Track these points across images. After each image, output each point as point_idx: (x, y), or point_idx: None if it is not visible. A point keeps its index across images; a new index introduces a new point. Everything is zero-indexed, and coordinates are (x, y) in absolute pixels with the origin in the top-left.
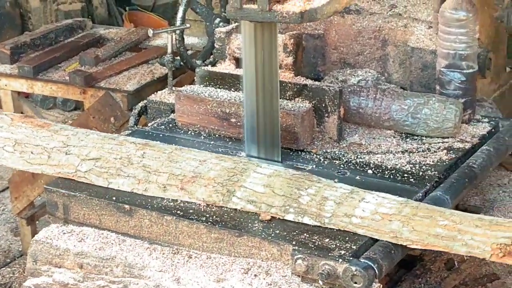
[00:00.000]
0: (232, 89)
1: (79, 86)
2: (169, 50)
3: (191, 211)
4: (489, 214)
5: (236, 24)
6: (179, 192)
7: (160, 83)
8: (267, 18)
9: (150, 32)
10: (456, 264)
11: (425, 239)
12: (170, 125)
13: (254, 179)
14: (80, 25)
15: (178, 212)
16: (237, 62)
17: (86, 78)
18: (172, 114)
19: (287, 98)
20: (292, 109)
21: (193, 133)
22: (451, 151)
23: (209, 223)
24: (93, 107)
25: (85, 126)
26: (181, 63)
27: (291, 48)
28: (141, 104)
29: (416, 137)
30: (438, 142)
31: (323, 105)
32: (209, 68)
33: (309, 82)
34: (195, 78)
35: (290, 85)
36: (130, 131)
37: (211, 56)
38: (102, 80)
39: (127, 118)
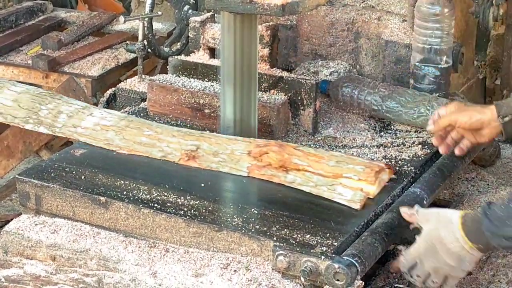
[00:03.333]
0: (206, 79)
1: (42, 70)
2: (140, 38)
3: (168, 204)
4: (459, 208)
5: (211, 13)
6: None
7: (124, 68)
8: (247, 10)
9: (122, 19)
10: None
11: (131, 145)
12: (141, 114)
13: (6, 95)
14: (41, 7)
15: (156, 205)
16: (211, 52)
17: (50, 63)
18: (142, 103)
19: (263, 90)
20: (267, 101)
21: (165, 123)
22: (426, 146)
23: (187, 217)
24: (56, 92)
25: None
26: (149, 50)
27: (267, 40)
28: (110, 91)
29: (390, 131)
30: (413, 137)
31: (299, 97)
32: (183, 57)
33: (285, 74)
34: (157, 65)
35: (266, 76)
36: None
37: (178, 44)
38: (66, 64)
39: (91, 103)
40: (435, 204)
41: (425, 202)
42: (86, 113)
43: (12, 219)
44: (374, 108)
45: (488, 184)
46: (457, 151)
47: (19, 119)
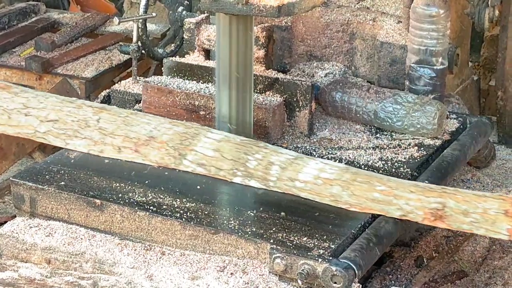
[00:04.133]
0: (201, 81)
1: (36, 72)
2: (135, 39)
3: (164, 206)
4: None
5: (206, 14)
6: (133, 154)
7: (118, 70)
8: (243, 11)
9: (116, 20)
10: (425, 261)
11: (363, 203)
12: None
13: (205, 144)
14: (34, 9)
15: (151, 207)
16: (207, 53)
17: (43, 64)
18: (137, 104)
19: (258, 91)
20: (263, 102)
21: None
22: (422, 148)
23: (183, 219)
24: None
25: None
26: (143, 51)
27: (263, 41)
28: (104, 93)
29: (386, 133)
30: (408, 139)
31: (295, 99)
32: (178, 59)
33: (280, 75)
34: (151, 66)
35: (261, 78)
36: None
37: (173, 45)
38: (59, 66)
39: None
40: None
41: None
42: (300, 164)
43: (5, 222)
44: (366, 119)
45: (483, 186)
46: None
47: (225, 172)
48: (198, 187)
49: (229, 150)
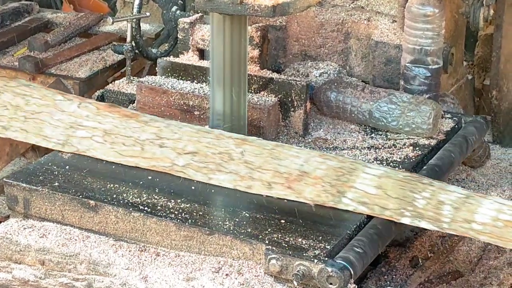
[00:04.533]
0: (195, 81)
1: (29, 72)
2: (129, 39)
3: (159, 207)
4: None
5: (200, 14)
6: (286, 191)
7: (112, 70)
8: (238, 11)
9: (110, 20)
10: (420, 261)
11: None
12: None
13: (364, 180)
14: (27, 8)
15: (146, 208)
16: (201, 53)
17: (36, 64)
18: (130, 104)
19: (253, 91)
20: (258, 102)
21: None
22: (417, 148)
23: (178, 220)
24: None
25: None
26: (137, 51)
27: (257, 41)
28: (97, 93)
29: (381, 133)
30: (403, 138)
31: (289, 99)
32: (172, 59)
33: (275, 75)
34: (145, 66)
35: (256, 78)
36: None
37: (166, 45)
38: (53, 66)
39: None
40: None
41: None
42: (474, 204)
43: None
44: (361, 118)
45: (478, 185)
46: None
47: (392, 212)
48: (193, 187)
49: (392, 187)
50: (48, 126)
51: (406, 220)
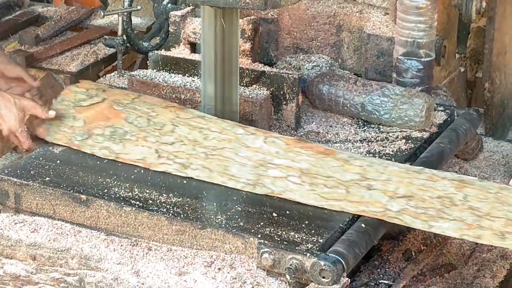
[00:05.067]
0: (187, 75)
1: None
2: (120, 32)
3: (150, 201)
4: None
5: (191, 7)
6: None
7: (103, 64)
8: (229, 4)
9: (101, 13)
10: (413, 254)
11: None
12: None
13: None
14: (18, 2)
15: (138, 203)
16: (192, 46)
17: (27, 58)
18: None
19: (244, 84)
20: (250, 96)
21: None
22: (410, 141)
23: (170, 214)
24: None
25: None
26: (128, 45)
27: (249, 34)
28: None
29: (373, 126)
30: (396, 131)
31: (281, 92)
32: (163, 52)
33: (267, 68)
34: (136, 60)
35: (247, 71)
36: None
37: (158, 38)
38: (44, 60)
39: None
40: None
41: None
42: None
43: None
44: (353, 111)
45: None
46: None
47: None
48: (185, 181)
49: None
50: (233, 164)
51: None
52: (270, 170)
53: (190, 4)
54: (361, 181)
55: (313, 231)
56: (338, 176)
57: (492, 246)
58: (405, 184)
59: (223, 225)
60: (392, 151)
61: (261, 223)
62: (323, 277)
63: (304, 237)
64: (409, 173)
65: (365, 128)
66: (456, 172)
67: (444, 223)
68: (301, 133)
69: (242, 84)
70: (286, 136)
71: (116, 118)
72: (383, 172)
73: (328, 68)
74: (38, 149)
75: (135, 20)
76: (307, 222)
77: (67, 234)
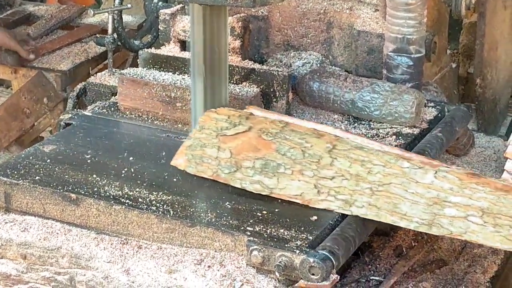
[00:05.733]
0: (177, 73)
1: (11, 65)
2: (110, 31)
3: (140, 200)
4: None
5: (180, 5)
6: None
7: (94, 62)
8: (217, 2)
9: (91, 12)
10: (404, 250)
11: None
12: (112, 108)
13: None
14: (8, 1)
15: (127, 201)
16: (182, 44)
17: (18, 57)
18: (113, 97)
19: (234, 82)
20: (239, 93)
21: (137, 117)
22: (400, 137)
23: (160, 212)
24: (25, 87)
25: (16, 106)
26: (119, 43)
27: (239, 31)
28: (80, 86)
29: (364, 122)
30: (386, 128)
31: (272, 89)
32: (153, 50)
33: (257, 66)
34: (128, 58)
35: (237, 69)
36: (70, 115)
37: (149, 36)
38: (35, 59)
39: (61, 98)
40: None
41: None
42: None
43: None
44: (343, 108)
45: None
46: None
47: None
48: (175, 179)
49: None
50: (403, 201)
51: None
52: (446, 209)
53: (180, 2)
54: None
55: (302, 228)
56: None
57: None
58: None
59: (213, 223)
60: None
61: (251, 221)
62: (313, 274)
63: (294, 234)
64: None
65: (356, 124)
66: None
67: None
68: None
69: (232, 81)
70: (457, 169)
71: (266, 150)
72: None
73: (318, 65)
74: (27, 148)
75: (127, 18)
76: (296, 219)
77: (57, 233)
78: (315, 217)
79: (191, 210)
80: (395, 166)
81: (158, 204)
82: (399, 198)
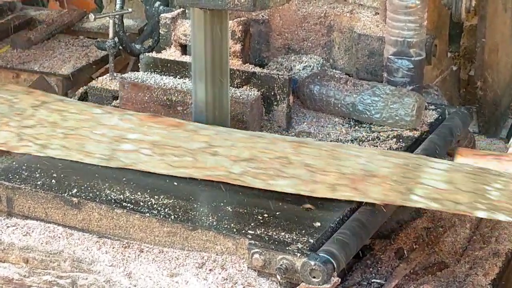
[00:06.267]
0: (178, 77)
1: (12, 70)
2: (111, 35)
3: (142, 204)
4: None
5: (182, 9)
6: (351, 192)
7: (95, 66)
8: (218, 6)
9: (92, 16)
10: (405, 253)
11: None
12: None
13: (432, 176)
14: (10, 6)
15: (129, 205)
16: (183, 48)
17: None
18: (114, 101)
19: (235, 86)
20: (240, 97)
21: None
22: (401, 140)
23: (161, 216)
24: None
25: None
26: (120, 47)
27: (239, 35)
28: (81, 90)
29: (364, 125)
30: (387, 131)
31: (272, 93)
32: (154, 54)
33: (257, 69)
34: (129, 62)
35: (238, 72)
36: None
37: (150, 40)
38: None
39: None
40: None
41: None
42: None
43: None
44: (344, 111)
45: None
46: None
47: (465, 206)
48: (175, 183)
49: (462, 181)
50: (90, 141)
51: (481, 214)
52: (124, 144)
53: (180, 6)
54: (207, 148)
55: (303, 231)
56: (186, 145)
57: (484, 244)
58: (248, 148)
59: (214, 226)
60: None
61: (252, 224)
62: (314, 277)
63: (295, 237)
64: (252, 138)
65: (356, 127)
66: None
67: (281, 181)
68: (293, 133)
69: (233, 85)
70: (143, 113)
71: None
72: (227, 139)
73: (319, 68)
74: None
75: (128, 22)
76: (297, 222)
77: (59, 237)
78: (318, 223)
79: (193, 213)
80: (88, 113)
81: (159, 208)
82: (86, 139)
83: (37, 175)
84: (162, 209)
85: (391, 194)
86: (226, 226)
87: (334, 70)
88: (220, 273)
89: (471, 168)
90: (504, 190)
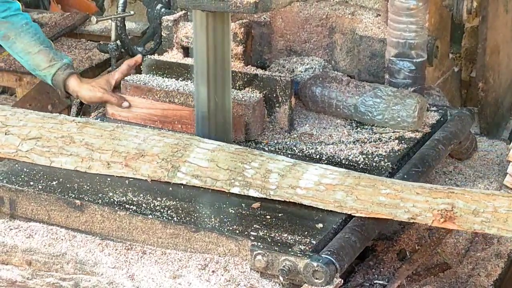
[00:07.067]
0: (180, 79)
1: (15, 73)
2: (113, 38)
3: (144, 205)
4: None
5: (183, 11)
6: (124, 169)
7: (98, 69)
8: (220, 8)
9: (94, 19)
10: (408, 254)
11: (369, 207)
12: None
13: (198, 154)
14: None
15: (132, 207)
16: (185, 51)
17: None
18: None
19: (237, 88)
20: (242, 99)
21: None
22: (403, 141)
23: (164, 218)
24: (30, 94)
25: None
26: (122, 50)
27: (241, 37)
28: None
29: (366, 127)
30: (389, 132)
31: (274, 95)
32: (156, 57)
33: (259, 71)
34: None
35: (240, 74)
36: None
37: (152, 43)
38: None
39: (66, 105)
40: None
41: None
42: (300, 171)
43: None
44: (346, 113)
45: (465, 178)
46: None
47: (222, 182)
48: (178, 186)
49: (224, 159)
50: None
51: (235, 190)
52: None
53: (182, 9)
54: (1, 127)
55: (306, 232)
56: None
57: (486, 245)
58: (38, 128)
59: (217, 228)
60: (385, 152)
61: (254, 225)
62: (316, 278)
63: (297, 239)
64: (44, 119)
65: (358, 129)
66: (451, 172)
67: (63, 158)
68: (295, 135)
69: (235, 87)
70: None
71: None
72: (22, 119)
73: (321, 70)
74: None
75: (130, 25)
76: (300, 223)
77: (62, 239)
78: (320, 225)
79: (195, 215)
80: None
81: (162, 210)
82: None
83: (40, 177)
84: (164, 211)
85: (159, 171)
86: (228, 227)
87: (336, 72)
88: (222, 275)
89: (236, 148)
90: (259, 169)
